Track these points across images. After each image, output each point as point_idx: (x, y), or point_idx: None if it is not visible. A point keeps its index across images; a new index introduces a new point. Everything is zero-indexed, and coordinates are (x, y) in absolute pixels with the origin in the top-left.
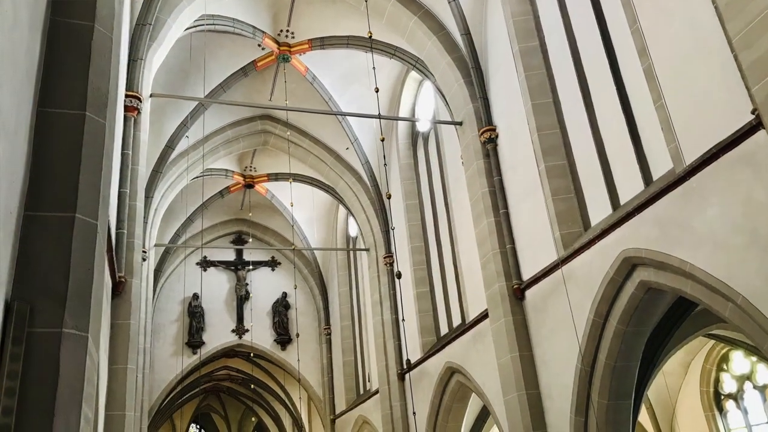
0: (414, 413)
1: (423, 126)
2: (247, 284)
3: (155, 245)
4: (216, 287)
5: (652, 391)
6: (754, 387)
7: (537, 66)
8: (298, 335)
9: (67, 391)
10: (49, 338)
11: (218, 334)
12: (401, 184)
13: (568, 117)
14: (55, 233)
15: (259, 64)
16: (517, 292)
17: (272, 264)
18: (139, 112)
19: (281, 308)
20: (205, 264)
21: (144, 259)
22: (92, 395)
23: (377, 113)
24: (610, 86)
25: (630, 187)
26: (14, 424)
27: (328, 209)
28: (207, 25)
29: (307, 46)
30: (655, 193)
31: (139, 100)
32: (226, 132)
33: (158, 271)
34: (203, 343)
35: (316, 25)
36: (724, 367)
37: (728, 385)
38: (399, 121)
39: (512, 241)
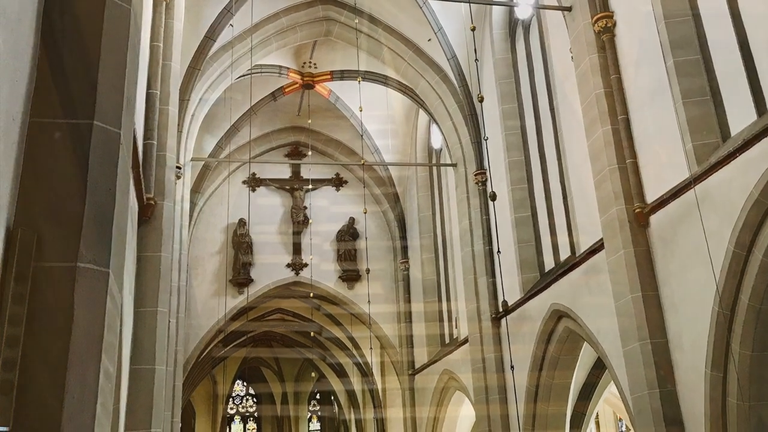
0: (512, 367)
1: (523, 12)
2: (305, 208)
3: (192, 160)
4: (267, 211)
5: None
6: None
7: None
8: (368, 271)
9: (83, 340)
10: (60, 275)
11: (270, 270)
12: (496, 84)
13: (703, 1)
14: (69, 145)
15: None
16: (640, 217)
17: (337, 183)
18: None
19: (348, 237)
20: (254, 183)
21: (178, 177)
22: (114, 345)
23: None
24: None
25: None
26: (18, 381)
27: (406, 115)
28: None
29: None
30: None
31: None
32: (280, 19)
33: (196, 192)
34: (252, 280)
35: None
36: None
37: None
38: (493, 6)
39: (633, 155)
